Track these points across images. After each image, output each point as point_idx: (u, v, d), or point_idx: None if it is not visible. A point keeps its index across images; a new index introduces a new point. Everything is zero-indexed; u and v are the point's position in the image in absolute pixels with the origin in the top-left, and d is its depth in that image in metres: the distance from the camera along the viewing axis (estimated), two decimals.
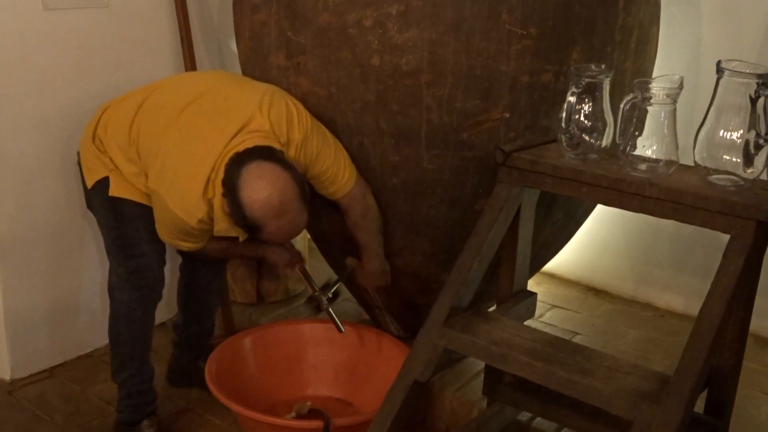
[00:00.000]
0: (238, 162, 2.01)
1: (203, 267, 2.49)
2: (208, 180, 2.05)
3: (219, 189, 2.04)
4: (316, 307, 2.38)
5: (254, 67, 2.39)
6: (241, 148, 2.04)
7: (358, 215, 2.27)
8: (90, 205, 2.39)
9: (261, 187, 1.99)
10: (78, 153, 2.35)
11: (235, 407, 2.18)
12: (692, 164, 1.83)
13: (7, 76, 2.41)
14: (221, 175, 2.03)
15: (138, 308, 2.25)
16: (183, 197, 2.08)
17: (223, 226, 2.11)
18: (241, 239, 2.19)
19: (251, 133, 2.08)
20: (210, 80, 2.34)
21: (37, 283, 2.62)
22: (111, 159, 2.24)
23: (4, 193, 2.47)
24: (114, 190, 2.23)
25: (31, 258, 2.58)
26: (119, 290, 2.25)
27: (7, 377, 2.63)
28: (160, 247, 2.27)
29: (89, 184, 2.28)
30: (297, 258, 2.37)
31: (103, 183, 2.24)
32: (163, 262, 2.29)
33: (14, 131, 2.45)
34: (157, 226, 2.20)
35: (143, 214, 2.22)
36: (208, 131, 2.10)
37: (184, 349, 2.61)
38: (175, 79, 2.48)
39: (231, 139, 2.06)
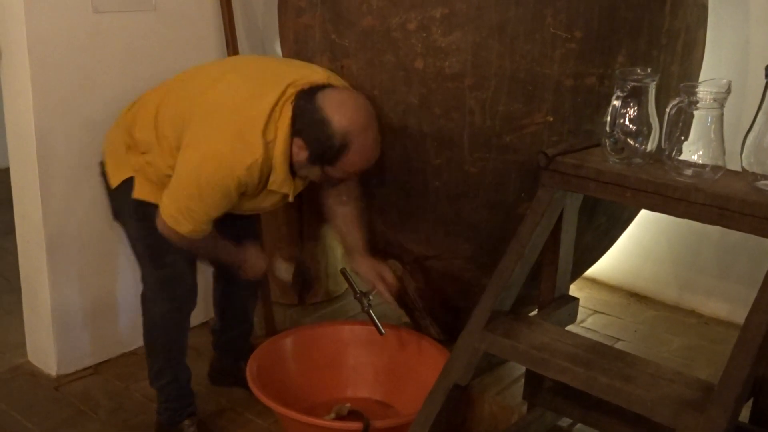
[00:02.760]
0: (309, 93, 2.00)
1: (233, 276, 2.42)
2: (269, 118, 1.98)
3: (282, 131, 1.98)
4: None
5: None
6: (304, 86, 2.02)
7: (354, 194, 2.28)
8: (117, 213, 2.29)
9: (348, 103, 2.00)
10: (103, 158, 2.28)
11: (276, 407, 2.20)
12: (739, 170, 1.81)
13: (56, 76, 2.46)
14: (286, 114, 1.98)
15: (172, 319, 2.25)
16: (236, 138, 1.96)
17: (279, 177, 2.04)
18: (291, 198, 2.12)
19: (308, 81, 2.06)
20: (236, 59, 2.31)
21: (83, 281, 2.66)
22: (143, 154, 2.14)
23: (52, 192, 2.52)
24: (138, 192, 2.15)
25: (77, 256, 2.62)
26: (152, 302, 2.24)
27: (53, 373, 2.68)
28: (190, 254, 2.22)
29: (114, 183, 2.18)
30: (267, 267, 2.33)
31: (128, 184, 2.17)
32: (195, 269, 2.27)
33: (62, 131, 2.50)
34: (166, 193, 2.04)
35: None
36: (261, 76, 2.06)
37: (223, 351, 2.63)
38: (194, 68, 2.31)
39: (289, 85, 2.03)
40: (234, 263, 2.28)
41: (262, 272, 2.33)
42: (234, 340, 2.61)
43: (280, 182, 2.06)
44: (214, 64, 2.34)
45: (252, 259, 2.29)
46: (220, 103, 2.02)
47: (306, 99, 1.99)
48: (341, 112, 1.97)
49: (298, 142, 2.01)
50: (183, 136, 2.03)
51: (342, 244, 2.40)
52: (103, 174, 2.27)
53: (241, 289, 2.52)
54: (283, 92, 2.02)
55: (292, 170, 2.08)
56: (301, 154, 2.02)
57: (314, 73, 2.10)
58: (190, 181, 1.99)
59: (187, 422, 2.33)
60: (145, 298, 2.28)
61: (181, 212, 2.01)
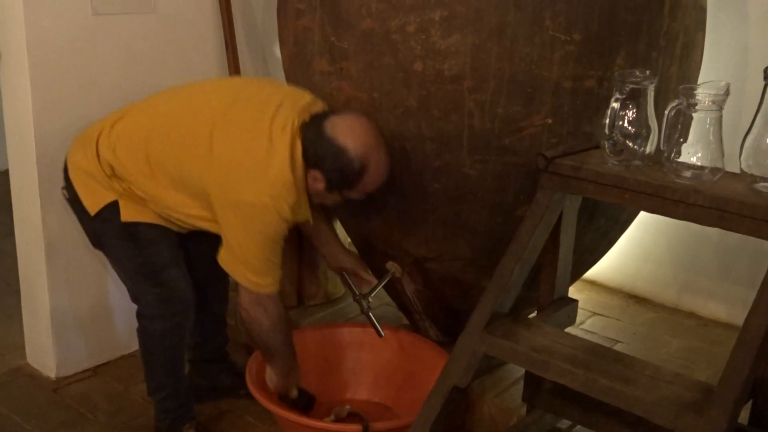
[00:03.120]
0: (314, 125, 2.03)
1: (210, 285, 2.43)
2: (292, 154, 2.01)
3: (300, 168, 2.02)
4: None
5: (297, 71, 2.41)
6: (304, 119, 2.05)
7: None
8: (98, 239, 2.23)
9: (355, 126, 2.04)
10: (68, 179, 2.20)
11: (275, 409, 2.20)
12: (738, 171, 1.81)
13: (56, 78, 2.46)
14: (298, 150, 2.01)
15: (172, 337, 2.22)
16: (270, 186, 1.99)
17: (303, 207, 2.10)
18: (311, 221, 2.18)
19: (300, 107, 2.09)
20: (217, 93, 2.20)
21: (82, 284, 2.66)
22: (133, 187, 2.13)
23: (51, 195, 2.52)
24: (127, 215, 2.12)
25: (77, 259, 2.63)
26: (149, 320, 2.20)
27: (52, 375, 2.68)
28: (185, 269, 2.21)
29: (93, 210, 2.14)
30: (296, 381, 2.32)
31: (110, 209, 2.13)
32: (191, 284, 2.23)
33: (62, 133, 2.49)
34: (233, 271, 2.09)
35: (163, 236, 2.17)
36: (257, 117, 2.06)
37: (202, 365, 2.59)
38: (181, 97, 2.25)
39: (297, 115, 2.06)
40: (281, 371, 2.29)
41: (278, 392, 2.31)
42: (215, 350, 2.59)
43: (304, 211, 2.12)
44: (198, 102, 2.20)
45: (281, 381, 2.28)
46: (237, 162, 2.02)
47: (313, 131, 2.02)
48: (354, 137, 2.02)
49: (314, 174, 2.04)
50: (207, 198, 2.06)
51: (321, 251, 2.44)
52: (75, 201, 2.20)
53: (215, 298, 2.50)
54: (294, 123, 2.04)
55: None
56: (318, 185, 2.07)
57: (301, 98, 2.15)
58: (248, 243, 2.04)
59: (187, 425, 2.32)
60: (142, 316, 2.23)
61: (257, 272, 2.07)
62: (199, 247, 2.32)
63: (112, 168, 2.14)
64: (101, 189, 2.15)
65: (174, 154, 2.09)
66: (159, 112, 2.19)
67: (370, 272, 2.43)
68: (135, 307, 2.74)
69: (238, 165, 2.01)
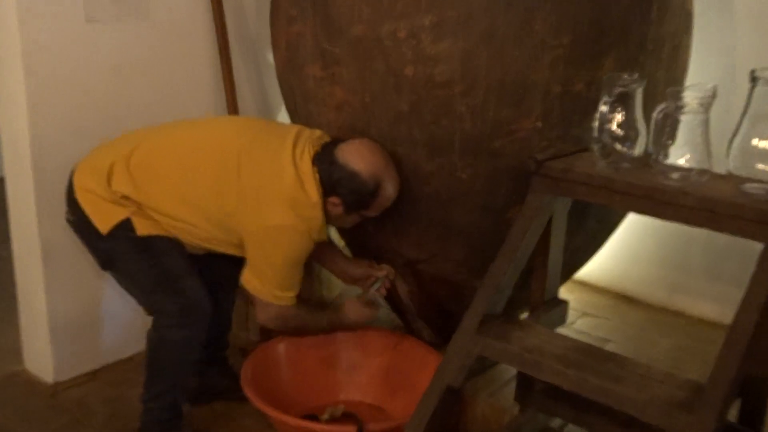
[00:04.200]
0: (325, 154, 2.13)
1: (219, 293, 2.42)
2: (315, 179, 2.12)
3: (319, 195, 2.12)
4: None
5: (290, 77, 2.41)
6: (317, 149, 2.16)
7: None
8: (108, 260, 2.23)
9: (364, 151, 2.14)
10: (74, 202, 2.19)
11: (270, 411, 2.20)
12: (726, 173, 1.81)
13: (50, 85, 2.46)
14: (317, 177, 2.11)
15: (188, 347, 2.20)
16: (298, 207, 2.11)
17: (337, 223, 2.25)
18: (326, 238, 2.27)
19: (314, 138, 2.21)
20: (231, 134, 2.26)
21: (78, 289, 2.65)
22: (144, 206, 2.16)
23: (47, 201, 2.51)
24: (142, 230, 2.14)
25: (73, 264, 2.61)
26: (167, 329, 2.18)
27: (50, 380, 2.67)
28: (200, 278, 2.21)
29: (105, 229, 2.14)
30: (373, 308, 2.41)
31: (123, 226, 2.14)
32: (208, 293, 2.21)
33: (57, 140, 2.50)
34: (260, 283, 2.17)
35: (175, 245, 2.19)
36: (278, 149, 2.15)
37: (202, 368, 2.54)
38: (196, 137, 2.29)
39: (311, 146, 2.17)
40: (337, 328, 2.45)
41: (369, 317, 2.41)
42: (216, 351, 2.59)
43: (324, 231, 2.22)
44: (221, 137, 2.27)
45: (355, 316, 2.39)
46: (266, 189, 2.12)
47: (326, 161, 2.13)
48: (364, 160, 2.13)
49: (333, 200, 2.15)
50: (231, 224, 2.15)
51: (331, 269, 2.50)
52: (83, 222, 2.20)
53: (223, 299, 2.49)
54: (293, 161, 2.13)
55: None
56: (337, 210, 2.17)
57: (312, 131, 2.26)
58: (281, 263, 2.15)
59: None
60: (160, 326, 2.20)
61: (283, 287, 2.18)
62: (211, 257, 2.32)
63: (125, 197, 2.16)
64: (112, 207, 2.16)
65: (207, 185, 2.15)
66: (183, 145, 2.23)
67: (381, 266, 2.43)
68: (131, 312, 2.76)
69: (267, 191, 2.11)
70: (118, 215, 2.15)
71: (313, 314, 2.34)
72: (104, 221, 2.16)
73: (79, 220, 2.21)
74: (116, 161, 2.18)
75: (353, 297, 2.42)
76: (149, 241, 2.16)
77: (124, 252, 2.18)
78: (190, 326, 2.17)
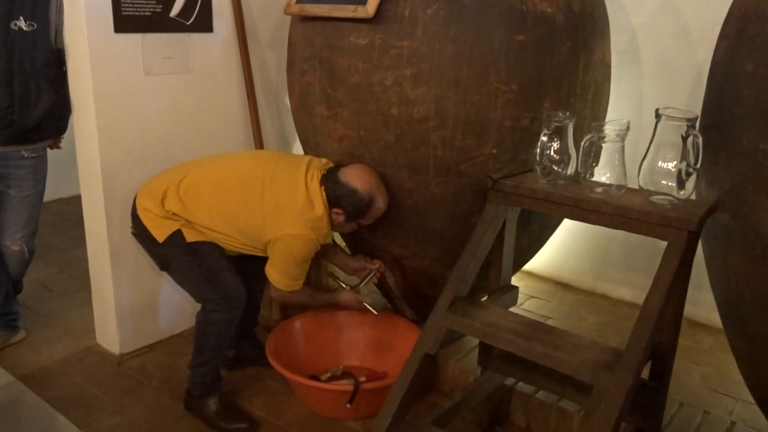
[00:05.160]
0: (330, 176, 2.16)
1: (252, 283, 2.39)
2: (322, 197, 2.13)
3: (326, 206, 2.13)
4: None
5: (303, 116, 2.41)
6: (323, 172, 2.18)
7: None
8: (166, 261, 2.22)
9: (361, 173, 2.15)
10: (138, 219, 2.20)
11: (286, 373, 2.19)
12: (637, 188, 1.82)
13: (116, 124, 2.44)
14: (323, 194, 2.13)
15: (227, 324, 2.18)
16: (309, 222, 2.11)
17: (339, 229, 2.23)
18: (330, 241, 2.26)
19: (321, 164, 2.23)
20: (257, 166, 2.25)
21: (138, 281, 2.63)
22: (191, 222, 2.17)
23: (114, 213, 2.50)
24: (190, 237, 2.15)
25: (134, 262, 2.60)
26: (211, 313, 2.16)
27: (116, 352, 2.65)
28: (236, 274, 2.20)
29: (161, 239, 2.16)
30: (361, 297, 2.38)
31: (175, 236, 2.15)
32: (242, 285, 2.20)
33: (122, 166, 2.49)
34: (277, 273, 2.15)
35: (216, 248, 2.19)
36: (295, 174, 2.17)
37: (236, 340, 2.53)
38: (228, 171, 2.25)
39: (307, 174, 2.17)
40: (330, 305, 2.41)
41: (355, 304, 2.38)
42: (248, 327, 2.56)
43: (329, 236, 2.22)
44: (250, 167, 2.24)
45: (345, 301, 2.37)
46: (284, 206, 2.12)
47: (331, 180, 2.15)
48: (361, 180, 2.14)
49: (336, 211, 2.16)
50: (253, 233, 2.15)
51: (333, 262, 2.47)
52: (144, 235, 2.20)
53: (254, 289, 2.46)
54: (305, 184, 2.14)
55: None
56: (339, 218, 2.17)
57: (319, 160, 2.26)
58: (293, 261, 2.14)
59: (212, 397, 2.25)
60: (206, 311, 2.18)
61: (294, 278, 2.18)
62: (244, 258, 2.31)
63: (175, 214, 2.17)
64: (166, 222, 2.17)
65: (237, 205, 2.15)
66: (220, 175, 2.21)
67: (374, 260, 2.41)
68: (180, 298, 2.75)
69: (285, 207, 2.11)
70: (171, 227, 2.16)
71: (314, 295, 2.31)
72: (160, 232, 2.16)
73: (141, 233, 2.22)
74: (169, 187, 2.19)
75: (350, 288, 2.40)
76: (196, 246, 2.16)
77: (177, 255, 2.18)
78: (229, 311, 2.16)
